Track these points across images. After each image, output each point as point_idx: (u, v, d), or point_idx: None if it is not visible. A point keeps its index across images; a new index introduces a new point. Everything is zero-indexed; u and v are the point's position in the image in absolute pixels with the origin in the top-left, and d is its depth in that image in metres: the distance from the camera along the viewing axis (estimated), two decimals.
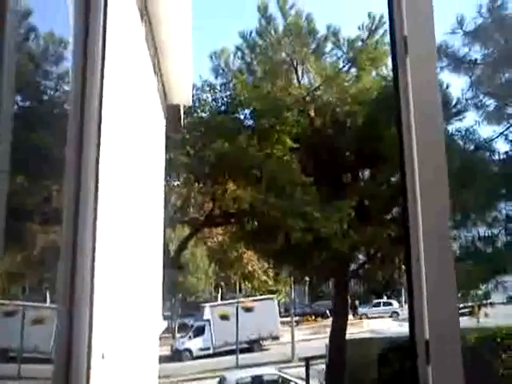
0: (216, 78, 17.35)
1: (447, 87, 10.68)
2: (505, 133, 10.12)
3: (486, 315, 12.09)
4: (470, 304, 11.95)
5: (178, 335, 27.07)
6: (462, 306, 11.09)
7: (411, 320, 1.65)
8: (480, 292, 11.09)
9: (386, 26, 15.40)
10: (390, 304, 32.91)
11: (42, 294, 2.46)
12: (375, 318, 30.85)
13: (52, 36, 2.20)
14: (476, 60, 9.98)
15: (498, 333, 10.42)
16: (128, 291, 4.47)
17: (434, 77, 1.80)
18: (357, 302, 31.29)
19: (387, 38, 15.25)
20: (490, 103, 10.20)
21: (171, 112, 9.17)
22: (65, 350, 1.74)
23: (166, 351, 22.44)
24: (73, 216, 1.83)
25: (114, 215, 3.30)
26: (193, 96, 13.51)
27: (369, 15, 15.67)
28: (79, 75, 1.99)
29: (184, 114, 11.18)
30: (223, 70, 17.11)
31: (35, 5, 1.73)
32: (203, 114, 17.57)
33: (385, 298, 32.87)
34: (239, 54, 16.76)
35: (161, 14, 6.30)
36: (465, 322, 11.51)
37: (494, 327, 10.97)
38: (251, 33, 16.23)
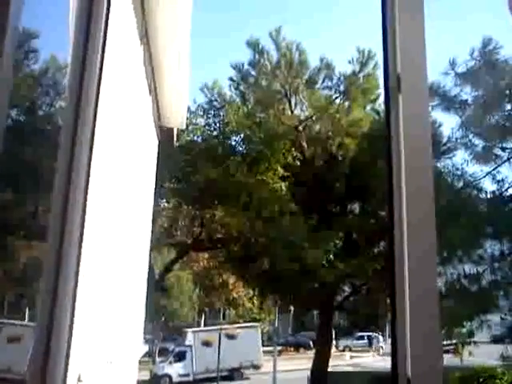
0: (209, 103, 17.54)
1: (438, 125, 10.87)
2: (492, 172, 10.28)
3: (470, 354, 12.01)
4: (454, 342, 11.89)
5: (158, 359, 26.50)
6: (445, 343, 11.02)
7: (393, 356, 1.63)
8: (464, 330, 11.05)
9: (376, 60, 15.73)
10: (374, 338, 32.58)
11: (20, 311, 2.40)
12: (358, 351, 30.48)
13: (52, 57, 2.22)
14: (467, 101, 10.20)
15: (481, 373, 10.33)
16: (109, 312, 4.39)
17: (425, 115, 1.82)
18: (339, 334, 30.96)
19: (378, 71, 15.57)
20: (479, 143, 10.39)
21: (165, 135, 9.20)
22: (39, 369, 1.70)
23: (145, 376, 21.91)
24: (59, 232, 1.81)
25: (100, 233, 3.28)
26: (186, 119, 13.58)
27: (358, 50, 16.04)
28: (75, 92, 2.00)
29: (176, 136, 11.21)
30: (216, 100, 17.35)
31: (36, 25, 1.76)
32: (195, 138, 17.65)
33: (369, 331, 32.55)
34: (232, 83, 17.02)
35: (160, 38, 6.39)
36: (448, 359, 11.42)
37: (477, 367, 10.88)
38: (243, 64, 16.52)
